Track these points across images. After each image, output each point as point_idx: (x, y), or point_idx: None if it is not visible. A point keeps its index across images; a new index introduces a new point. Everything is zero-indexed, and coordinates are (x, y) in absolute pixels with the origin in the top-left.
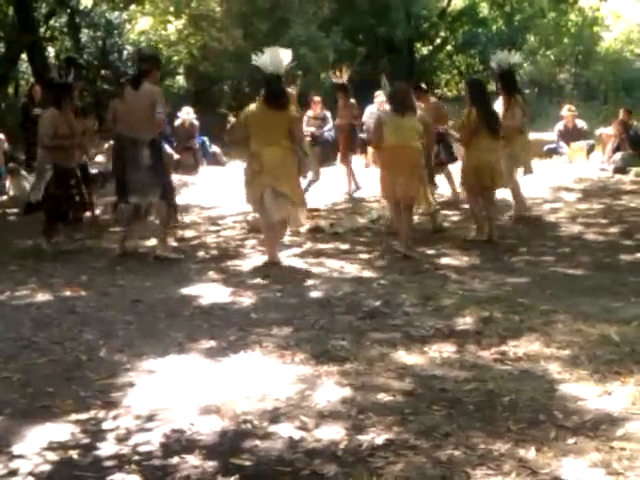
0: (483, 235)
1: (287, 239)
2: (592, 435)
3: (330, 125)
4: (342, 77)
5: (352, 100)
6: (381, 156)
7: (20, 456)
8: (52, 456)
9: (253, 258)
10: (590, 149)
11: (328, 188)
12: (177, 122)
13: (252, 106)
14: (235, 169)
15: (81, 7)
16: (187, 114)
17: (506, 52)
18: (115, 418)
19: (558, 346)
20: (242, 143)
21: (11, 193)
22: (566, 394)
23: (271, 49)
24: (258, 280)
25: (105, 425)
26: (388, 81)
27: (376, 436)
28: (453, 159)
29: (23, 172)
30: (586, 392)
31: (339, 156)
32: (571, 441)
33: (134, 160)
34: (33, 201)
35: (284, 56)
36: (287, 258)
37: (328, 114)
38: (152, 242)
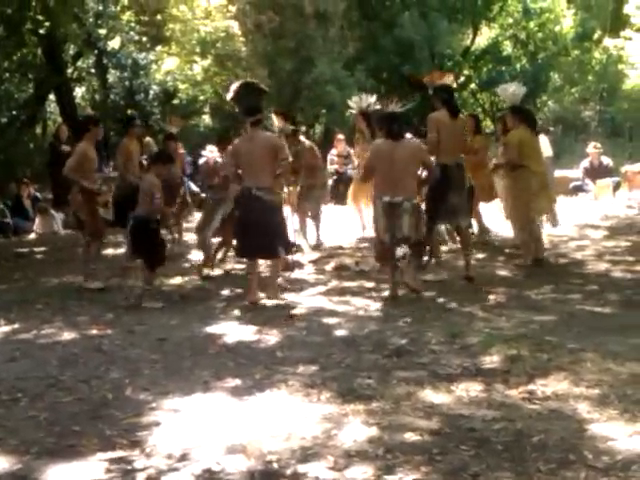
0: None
1: (312, 277)
2: (623, 476)
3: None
4: (174, 126)
5: (181, 151)
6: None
7: None
8: None
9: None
10: (616, 186)
11: (351, 226)
12: (201, 160)
13: (517, 133)
14: None
15: (108, 48)
16: (210, 152)
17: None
18: (141, 457)
19: (587, 385)
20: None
21: (39, 231)
22: (596, 434)
23: (507, 85)
24: (283, 318)
25: (131, 464)
26: None
27: (404, 476)
28: None
29: (52, 211)
30: (616, 432)
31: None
32: None
33: (458, 184)
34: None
35: (518, 90)
36: (312, 296)
37: (351, 151)
38: (177, 280)
